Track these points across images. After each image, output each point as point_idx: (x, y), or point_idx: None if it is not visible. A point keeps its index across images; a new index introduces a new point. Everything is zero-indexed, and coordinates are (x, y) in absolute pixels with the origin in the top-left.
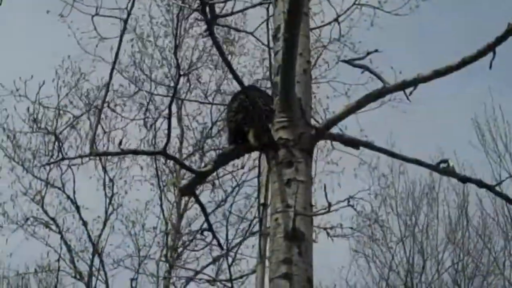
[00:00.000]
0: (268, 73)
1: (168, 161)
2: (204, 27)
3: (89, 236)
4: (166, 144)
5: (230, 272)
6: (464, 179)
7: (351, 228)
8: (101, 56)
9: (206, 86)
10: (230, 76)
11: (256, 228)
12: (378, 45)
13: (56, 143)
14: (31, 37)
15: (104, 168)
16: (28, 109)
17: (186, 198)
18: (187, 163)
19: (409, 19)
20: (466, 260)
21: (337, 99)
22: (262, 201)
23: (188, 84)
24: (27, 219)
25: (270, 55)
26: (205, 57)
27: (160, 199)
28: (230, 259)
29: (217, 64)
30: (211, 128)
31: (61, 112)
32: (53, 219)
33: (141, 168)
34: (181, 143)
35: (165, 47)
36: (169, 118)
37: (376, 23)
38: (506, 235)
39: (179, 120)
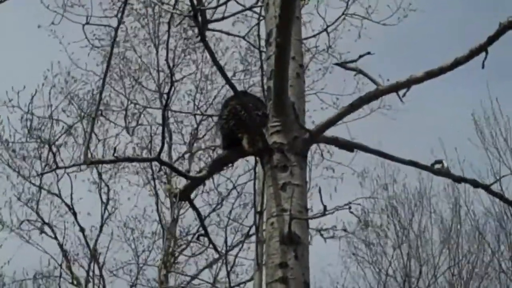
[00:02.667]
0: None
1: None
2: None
3: (86, 242)
4: (160, 151)
5: (229, 278)
6: (459, 179)
7: (345, 230)
8: (92, 70)
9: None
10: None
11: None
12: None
13: (51, 153)
14: (23, 49)
15: (99, 174)
16: (21, 118)
17: (181, 203)
18: (178, 165)
19: (397, 27)
20: (461, 263)
21: (324, 111)
22: (258, 209)
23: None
24: (22, 222)
25: (261, 59)
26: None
27: (157, 204)
28: (228, 266)
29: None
30: (196, 128)
31: (54, 121)
32: (48, 224)
33: (137, 173)
34: (169, 147)
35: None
36: (163, 125)
37: (364, 33)
38: (498, 237)
39: (167, 125)
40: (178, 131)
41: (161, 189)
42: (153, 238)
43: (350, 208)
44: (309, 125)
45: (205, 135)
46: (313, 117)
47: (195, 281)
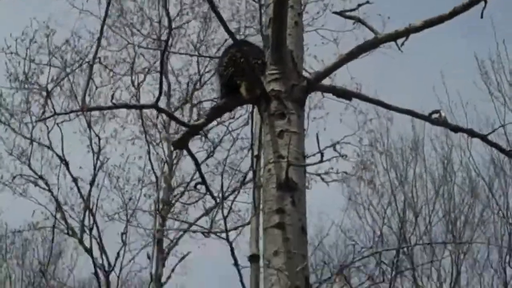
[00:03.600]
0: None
1: (160, 116)
2: None
3: (79, 192)
4: (158, 97)
5: (225, 223)
6: (456, 129)
7: (345, 172)
8: (89, 10)
9: (191, 37)
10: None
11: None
12: None
13: (49, 99)
14: None
15: (88, 124)
16: (19, 64)
17: (177, 152)
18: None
19: None
20: (455, 214)
21: (325, 47)
22: (256, 153)
23: (172, 38)
24: (14, 177)
25: (260, 9)
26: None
27: (148, 153)
28: (225, 211)
29: (206, 17)
30: (199, 80)
31: (50, 67)
32: (41, 176)
33: (131, 121)
34: (168, 97)
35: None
36: (160, 71)
37: None
38: (490, 187)
39: (165, 75)
40: (177, 82)
41: (161, 139)
42: (140, 185)
43: (334, 146)
44: (310, 62)
45: (203, 85)
46: (316, 52)
47: (192, 229)
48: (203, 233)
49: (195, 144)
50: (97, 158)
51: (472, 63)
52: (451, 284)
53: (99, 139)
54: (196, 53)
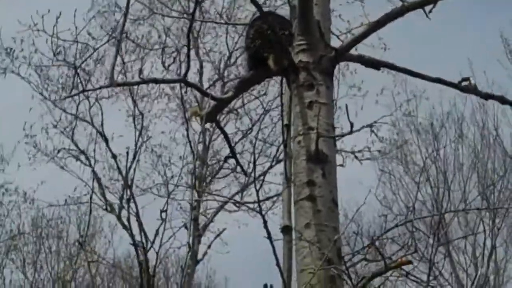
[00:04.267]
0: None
1: (191, 91)
2: None
3: (118, 169)
4: (186, 71)
5: (257, 195)
6: (486, 96)
7: (379, 151)
8: None
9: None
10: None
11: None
12: None
13: (77, 76)
14: None
15: (133, 100)
16: (46, 41)
17: (212, 128)
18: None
19: None
20: (491, 189)
21: (351, 6)
22: (286, 122)
23: (200, 14)
24: (58, 151)
25: None
26: None
27: (187, 130)
28: (257, 185)
29: None
30: (229, 57)
31: (81, 45)
32: (83, 152)
33: (167, 96)
34: (200, 75)
35: None
36: (188, 45)
37: None
38: None
39: (197, 53)
40: (208, 60)
41: (189, 113)
42: (182, 163)
43: (371, 127)
44: (335, 23)
45: (235, 61)
46: (341, 11)
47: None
48: (235, 204)
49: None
50: (139, 135)
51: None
52: (486, 257)
53: (142, 116)
54: (225, 25)
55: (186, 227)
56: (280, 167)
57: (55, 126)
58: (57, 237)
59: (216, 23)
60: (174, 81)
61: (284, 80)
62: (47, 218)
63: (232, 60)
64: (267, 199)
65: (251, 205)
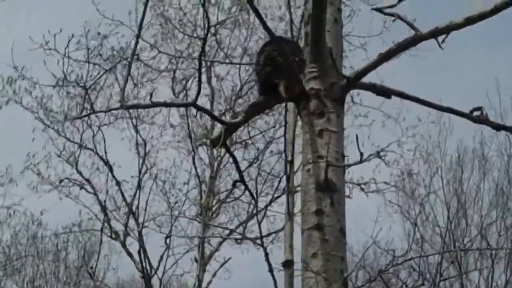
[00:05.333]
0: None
1: (199, 117)
2: None
3: (123, 196)
4: (197, 96)
5: (260, 228)
6: (498, 127)
7: (385, 182)
8: (120, 20)
9: (232, 47)
10: (255, 36)
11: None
12: None
13: (87, 97)
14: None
15: (135, 127)
16: (57, 62)
17: (219, 158)
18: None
19: None
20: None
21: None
22: (289, 158)
23: (216, 45)
24: (62, 180)
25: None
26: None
27: (193, 157)
28: (260, 217)
29: (242, 23)
30: (241, 89)
31: (90, 65)
32: (87, 180)
33: (173, 127)
34: (211, 103)
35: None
36: (199, 69)
37: None
38: None
39: (209, 81)
40: (220, 88)
41: (198, 137)
42: (186, 189)
43: (379, 154)
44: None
45: (247, 92)
46: (344, 60)
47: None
48: (237, 239)
49: (237, 155)
50: (143, 163)
51: None
52: None
53: (145, 143)
54: (238, 60)
55: (196, 260)
56: (283, 199)
57: (59, 156)
58: (57, 260)
59: (229, 63)
60: (184, 105)
61: (287, 117)
62: (48, 240)
63: (244, 91)
64: (269, 234)
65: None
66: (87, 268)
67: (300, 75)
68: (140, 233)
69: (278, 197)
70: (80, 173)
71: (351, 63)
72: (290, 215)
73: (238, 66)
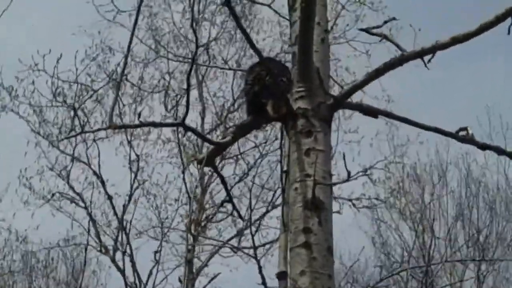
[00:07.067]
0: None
1: (190, 135)
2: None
3: (114, 211)
4: (185, 115)
5: (253, 239)
6: (484, 147)
7: (376, 198)
8: (120, 22)
9: (224, 59)
10: (248, 52)
11: (279, 199)
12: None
13: (76, 117)
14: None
15: (129, 143)
16: (46, 82)
17: (210, 172)
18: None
19: None
20: (477, 236)
21: (357, 59)
22: (285, 168)
23: (207, 59)
24: (53, 194)
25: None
26: (222, 33)
27: (183, 172)
28: (253, 229)
29: (234, 38)
30: (233, 104)
31: (81, 86)
32: (79, 194)
33: (163, 143)
34: (202, 119)
35: (182, 25)
36: (187, 88)
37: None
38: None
39: (200, 97)
40: (211, 104)
41: (185, 158)
42: (177, 205)
43: (366, 172)
44: (341, 74)
45: (238, 108)
46: (347, 63)
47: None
48: (231, 249)
49: (227, 169)
50: (135, 178)
51: None
52: None
53: (138, 158)
54: (229, 70)
55: (180, 281)
56: (277, 212)
57: (51, 169)
58: (47, 276)
59: (220, 68)
60: (172, 125)
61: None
62: (37, 257)
63: (236, 106)
64: (264, 245)
65: (247, 250)
66: (76, 284)
67: (288, 95)
68: (129, 247)
69: (273, 208)
70: (72, 188)
71: (354, 70)
72: (285, 226)
73: (230, 81)
